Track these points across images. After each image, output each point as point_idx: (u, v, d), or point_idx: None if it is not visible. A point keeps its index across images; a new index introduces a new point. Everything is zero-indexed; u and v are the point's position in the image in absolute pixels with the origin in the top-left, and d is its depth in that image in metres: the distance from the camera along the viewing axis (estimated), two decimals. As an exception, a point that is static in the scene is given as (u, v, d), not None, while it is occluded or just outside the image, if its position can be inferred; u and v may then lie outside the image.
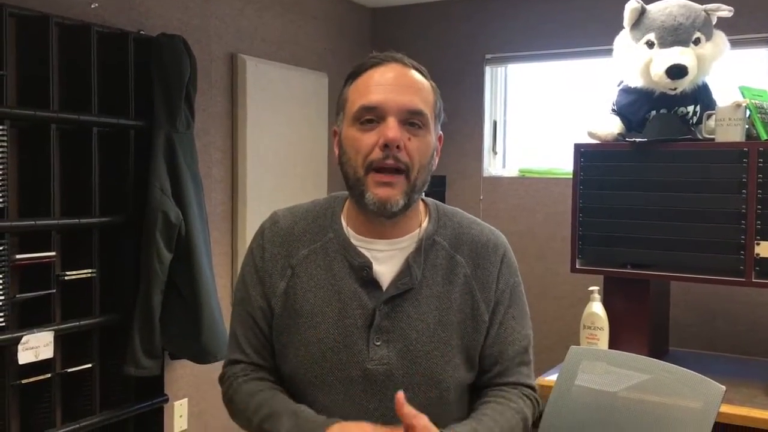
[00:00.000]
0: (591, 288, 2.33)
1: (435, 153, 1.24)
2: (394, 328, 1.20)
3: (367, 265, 1.21)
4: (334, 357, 1.19)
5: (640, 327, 2.31)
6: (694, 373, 1.76)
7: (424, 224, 1.27)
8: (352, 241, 1.24)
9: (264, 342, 1.26)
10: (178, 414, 2.59)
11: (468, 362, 1.26)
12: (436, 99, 1.25)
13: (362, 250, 1.22)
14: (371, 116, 1.17)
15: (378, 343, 1.19)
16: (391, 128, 1.15)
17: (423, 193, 1.27)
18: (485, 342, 1.27)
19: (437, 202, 1.33)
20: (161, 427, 2.46)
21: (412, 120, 1.18)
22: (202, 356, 2.31)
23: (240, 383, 1.26)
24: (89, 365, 2.19)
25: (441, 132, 1.28)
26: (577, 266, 2.38)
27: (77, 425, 2.15)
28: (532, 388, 1.33)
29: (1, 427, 1.96)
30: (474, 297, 1.25)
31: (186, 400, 2.61)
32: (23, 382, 2.02)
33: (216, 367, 2.75)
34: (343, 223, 1.26)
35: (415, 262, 1.22)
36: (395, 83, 1.18)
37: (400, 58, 1.22)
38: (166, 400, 2.45)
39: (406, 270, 1.22)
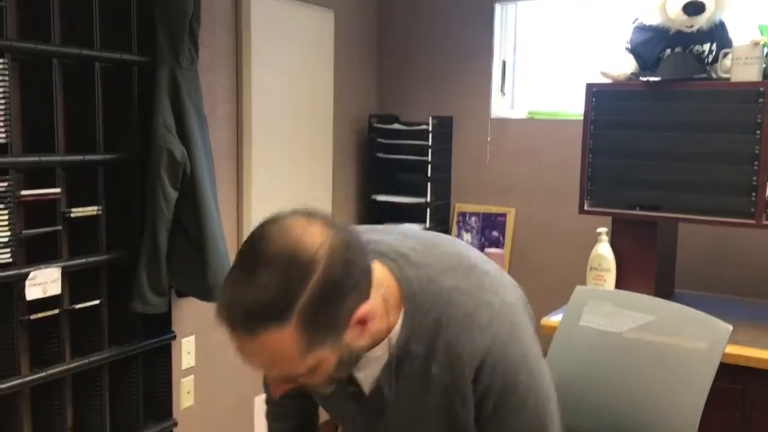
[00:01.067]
0: (599, 229, 2.32)
1: (352, 346, 0.99)
2: (378, 426, 1.15)
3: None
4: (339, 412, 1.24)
5: (647, 269, 2.31)
6: (701, 312, 1.76)
7: (397, 327, 1.05)
8: None
9: None
10: (186, 351, 2.62)
11: None
12: (312, 317, 0.92)
13: None
14: None
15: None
16: (272, 389, 1.03)
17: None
18: None
19: (416, 280, 1.05)
20: (169, 363, 2.49)
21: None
22: (208, 294, 2.31)
23: (268, 416, 1.43)
24: (97, 302, 2.20)
25: (362, 304, 0.96)
26: (585, 208, 2.37)
27: (86, 360, 2.18)
28: None
29: (11, 361, 1.98)
30: (453, 406, 1.08)
31: (193, 337, 2.64)
32: (32, 317, 2.04)
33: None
34: None
35: (386, 380, 1.08)
36: (252, 362, 0.96)
37: (237, 326, 0.92)
38: (174, 337, 2.47)
39: (377, 389, 1.10)
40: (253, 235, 0.95)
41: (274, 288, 0.89)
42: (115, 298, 2.29)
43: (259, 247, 0.93)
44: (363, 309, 0.96)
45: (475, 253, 1.15)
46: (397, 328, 1.05)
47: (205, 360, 2.70)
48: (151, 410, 2.45)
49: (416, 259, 1.06)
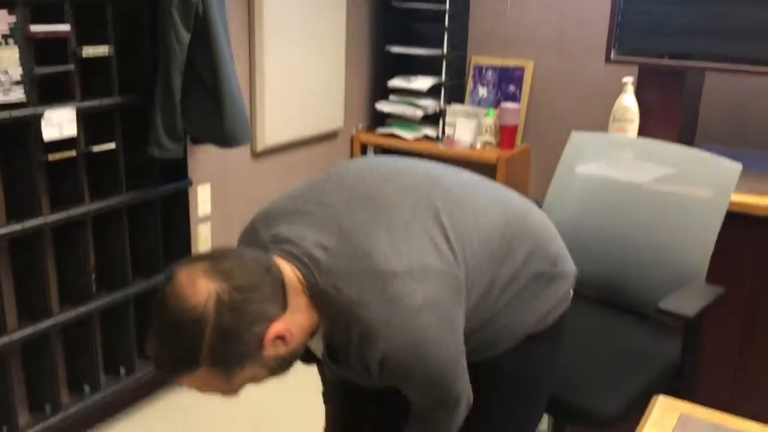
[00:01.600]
0: (624, 79, 2.26)
1: (278, 356, 1.11)
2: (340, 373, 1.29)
3: None
4: None
5: (672, 120, 2.27)
6: (708, 153, 1.75)
7: (323, 322, 1.18)
8: None
9: None
10: (202, 198, 2.63)
11: None
12: (219, 358, 1.06)
13: None
14: None
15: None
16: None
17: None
18: None
19: (325, 290, 1.13)
20: (186, 210, 2.51)
21: None
22: (225, 140, 2.29)
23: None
24: (112, 145, 2.19)
25: (272, 326, 1.08)
26: (612, 57, 2.29)
27: (106, 203, 2.19)
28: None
29: (33, 202, 1.99)
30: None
31: (209, 185, 2.65)
32: (50, 159, 2.03)
33: (238, 153, 2.76)
34: None
35: (327, 365, 1.25)
36: (191, 389, 1.14)
37: (163, 375, 1.10)
38: (190, 183, 2.48)
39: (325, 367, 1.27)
40: (156, 300, 1.07)
41: (177, 348, 1.04)
42: (132, 144, 2.28)
43: (160, 315, 1.06)
44: (273, 330, 1.07)
45: (383, 249, 1.13)
46: (323, 322, 1.17)
47: (220, 208, 2.72)
48: (170, 255, 2.50)
49: (326, 264, 1.13)
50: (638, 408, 1.56)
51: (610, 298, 1.91)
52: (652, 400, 1.14)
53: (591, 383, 1.57)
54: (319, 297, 1.13)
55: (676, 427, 1.08)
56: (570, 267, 1.39)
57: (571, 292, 1.42)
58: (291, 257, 1.15)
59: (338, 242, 1.14)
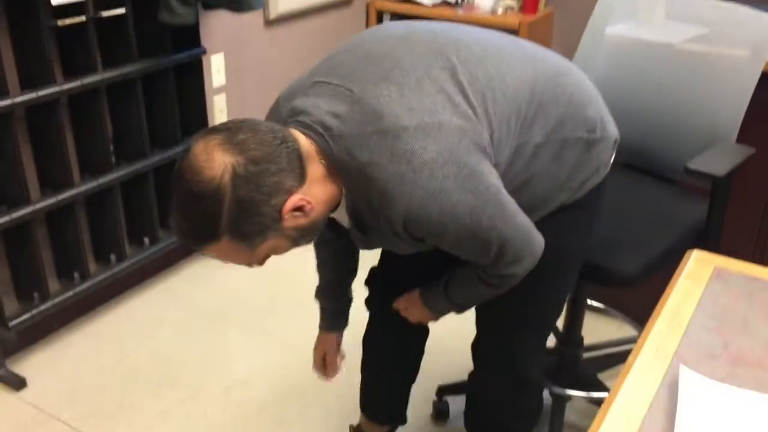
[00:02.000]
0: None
1: (299, 227, 1.11)
2: (368, 243, 1.28)
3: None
4: None
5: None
6: (746, 7, 1.67)
7: (344, 192, 1.18)
8: None
9: None
10: (216, 69, 2.57)
11: None
12: (239, 230, 1.06)
13: None
14: None
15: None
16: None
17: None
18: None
19: (339, 156, 1.13)
20: (201, 80, 2.45)
21: None
22: (237, 3, 2.20)
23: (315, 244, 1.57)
24: (122, 10, 2.11)
25: (291, 197, 1.07)
26: None
27: (119, 71, 2.14)
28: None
29: (45, 69, 1.95)
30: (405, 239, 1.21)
31: (222, 54, 2.57)
32: (59, 24, 1.96)
33: (251, 21, 2.67)
34: None
35: (353, 226, 1.23)
36: (216, 259, 1.16)
37: (186, 244, 1.11)
38: (204, 52, 2.41)
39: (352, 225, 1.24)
40: (174, 173, 1.07)
41: (197, 219, 1.04)
42: (142, 10, 2.19)
43: (177, 186, 1.06)
44: (291, 202, 1.06)
45: (392, 108, 1.11)
46: (344, 192, 1.17)
47: (234, 78, 2.66)
48: (187, 127, 2.47)
49: (338, 131, 1.12)
50: (658, 269, 1.57)
51: (637, 162, 1.89)
52: (687, 254, 1.14)
53: (613, 245, 1.58)
54: (335, 165, 1.13)
55: (711, 278, 1.09)
56: (611, 131, 1.33)
57: (611, 159, 1.37)
58: (305, 128, 1.14)
59: (350, 108, 1.12)
